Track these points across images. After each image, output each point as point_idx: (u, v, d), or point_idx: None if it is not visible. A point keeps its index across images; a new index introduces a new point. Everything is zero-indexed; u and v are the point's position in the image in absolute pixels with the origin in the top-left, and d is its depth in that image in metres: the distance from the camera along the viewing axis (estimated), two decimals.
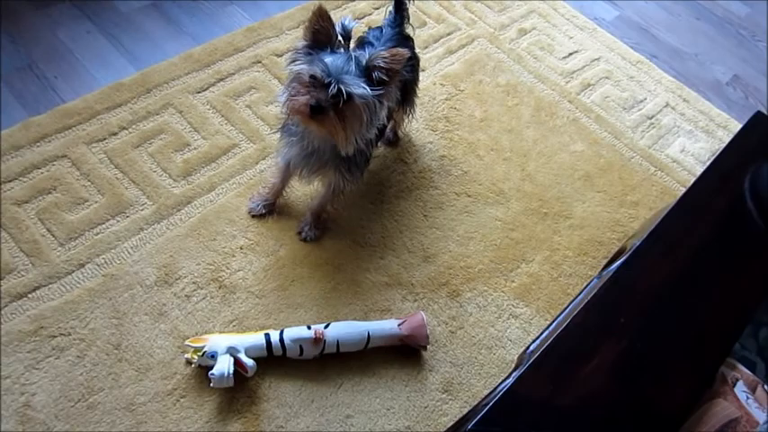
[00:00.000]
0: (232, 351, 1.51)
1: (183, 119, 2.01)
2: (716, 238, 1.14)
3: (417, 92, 1.93)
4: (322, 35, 1.47)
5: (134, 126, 1.96)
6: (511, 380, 0.90)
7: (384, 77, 1.45)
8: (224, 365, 1.48)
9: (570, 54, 2.53)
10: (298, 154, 1.64)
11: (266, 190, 1.85)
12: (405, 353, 1.66)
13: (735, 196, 1.20)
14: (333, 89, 1.41)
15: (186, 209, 1.82)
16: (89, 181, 1.83)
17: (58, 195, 1.79)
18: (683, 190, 2.13)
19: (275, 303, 1.70)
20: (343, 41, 1.49)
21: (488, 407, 0.83)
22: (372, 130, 1.55)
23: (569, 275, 1.90)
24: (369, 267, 1.81)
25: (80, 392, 1.49)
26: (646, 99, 2.45)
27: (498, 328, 1.77)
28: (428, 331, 1.64)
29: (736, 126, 2.43)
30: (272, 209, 1.85)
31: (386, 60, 1.43)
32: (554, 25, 2.63)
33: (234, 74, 2.16)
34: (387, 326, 1.63)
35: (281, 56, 2.23)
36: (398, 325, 1.63)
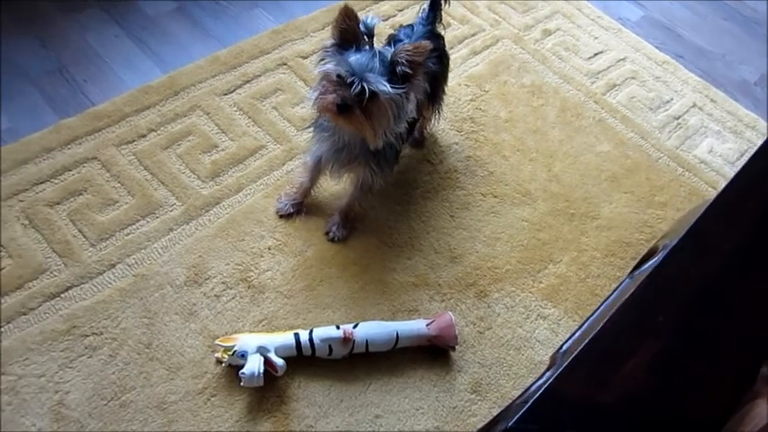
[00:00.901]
0: (262, 350, 1.52)
1: (211, 121, 2.03)
2: (751, 240, 1.13)
3: (446, 89, 1.94)
4: (349, 34, 1.49)
5: (162, 128, 1.98)
6: (549, 379, 0.90)
7: (408, 70, 1.47)
8: (254, 365, 1.48)
9: (595, 54, 2.52)
10: (329, 149, 1.66)
11: (294, 190, 1.86)
12: (433, 353, 1.66)
13: None
14: (356, 87, 1.44)
15: (215, 209, 1.83)
16: (119, 182, 1.85)
17: (89, 197, 1.81)
18: (712, 191, 2.14)
19: (303, 303, 1.70)
20: (368, 39, 1.51)
21: (528, 405, 0.83)
22: (401, 124, 1.58)
23: (597, 276, 1.89)
24: (396, 268, 1.81)
25: (112, 391, 1.51)
26: (672, 99, 2.43)
27: (526, 328, 1.76)
28: (456, 331, 1.63)
29: (764, 126, 2.40)
30: (299, 209, 1.86)
31: (409, 53, 1.45)
32: (579, 26, 2.61)
33: (260, 76, 2.17)
34: (415, 326, 1.64)
35: (306, 58, 2.25)
36: (427, 325, 1.63)
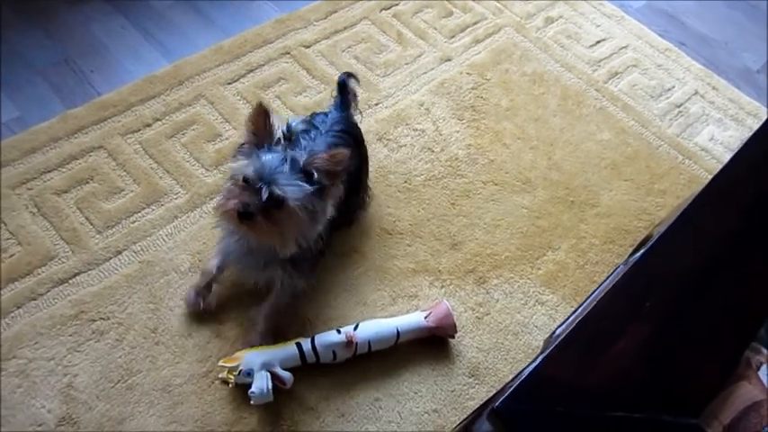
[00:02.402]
0: (267, 366, 1.49)
1: (215, 110, 2.06)
2: (744, 226, 1.15)
3: (369, 185, 1.85)
4: (261, 133, 1.41)
5: (167, 117, 2.02)
6: (538, 361, 0.93)
7: (324, 181, 1.39)
8: (262, 382, 1.46)
9: (597, 42, 2.53)
10: (237, 252, 1.54)
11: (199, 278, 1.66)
12: (431, 337, 1.69)
13: (763, 184, 1.21)
14: (264, 193, 1.33)
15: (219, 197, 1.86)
16: (125, 171, 1.89)
17: (96, 185, 1.85)
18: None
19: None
20: (284, 140, 1.43)
21: (515, 386, 0.86)
22: (316, 229, 1.47)
23: (596, 263, 1.91)
24: (396, 254, 1.84)
25: (119, 374, 1.55)
26: (674, 87, 2.44)
27: (524, 314, 1.79)
28: (455, 319, 1.66)
29: (766, 114, 2.40)
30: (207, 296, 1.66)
31: (326, 163, 1.38)
32: (581, 14, 2.62)
33: (263, 65, 2.20)
34: (414, 320, 1.65)
35: (308, 47, 2.27)
36: (425, 318, 1.65)
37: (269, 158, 1.36)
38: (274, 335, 1.60)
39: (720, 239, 1.12)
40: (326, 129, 1.62)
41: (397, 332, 1.62)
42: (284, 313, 1.63)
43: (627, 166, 2.16)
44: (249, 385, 1.48)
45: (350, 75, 1.78)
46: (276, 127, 1.43)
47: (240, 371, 1.49)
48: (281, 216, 1.37)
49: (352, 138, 1.69)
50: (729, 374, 0.95)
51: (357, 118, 1.82)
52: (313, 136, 1.60)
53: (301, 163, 1.38)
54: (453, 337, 1.69)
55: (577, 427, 0.85)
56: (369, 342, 1.60)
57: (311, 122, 1.66)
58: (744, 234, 1.13)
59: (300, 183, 1.37)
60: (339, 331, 1.59)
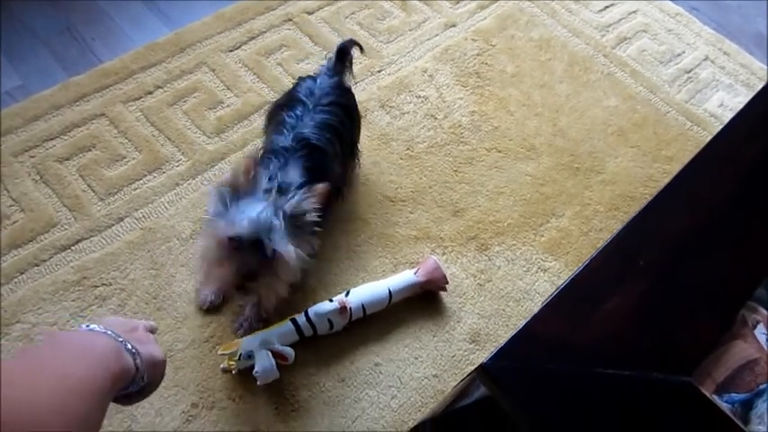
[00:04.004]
0: (266, 344, 1.48)
1: (216, 77, 2.04)
2: (742, 186, 1.13)
3: (359, 155, 1.79)
4: (246, 185, 1.30)
5: (169, 85, 2.01)
6: (528, 319, 0.92)
7: (316, 218, 1.31)
8: (265, 361, 1.44)
9: (606, 7, 2.48)
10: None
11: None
12: (432, 303, 1.69)
13: (764, 144, 1.18)
14: (268, 250, 1.23)
15: (220, 165, 1.86)
16: (126, 138, 1.89)
17: (98, 153, 1.85)
18: None
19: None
20: (268, 192, 1.31)
21: (504, 343, 0.86)
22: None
23: (600, 230, 1.90)
24: (398, 221, 1.83)
25: None
26: (684, 52, 2.39)
27: (527, 281, 1.78)
28: (444, 271, 1.65)
29: None
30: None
31: (309, 201, 1.29)
32: None
33: (265, 32, 2.18)
34: (404, 278, 1.65)
35: (311, 14, 2.25)
36: (415, 273, 1.65)
37: (259, 211, 1.24)
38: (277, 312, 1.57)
39: (717, 200, 1.10)
40: (314, 103, 1.53)
41: (390, 292, 1.61)
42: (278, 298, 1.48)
43: (634, 132, 2.12)
44: (252, 368, 1.46)
45: (354, 42, 1.73)
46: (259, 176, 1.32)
47: (240, 355, 1.47)
48: (279, 269, 1.29)
49: (342, 109, 1.58)
50: (724, 333, 0.94)
51: (350, 83, 1.73)
52: (299, 113, 1.52)
53: (288, 211, 1.28)
54: (445, 290, 1.68)
55: (566, 384, 0.85)
56: (363, 306, 1.59)
57: (295, 96, 1.57)
58: (741, 195, 1.12)
59: (295, 231, 1.29)
60: (331, 300, 1.58)
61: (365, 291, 1.62)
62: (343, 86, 1.65)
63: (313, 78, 1.62)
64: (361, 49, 1.77)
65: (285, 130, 1.49)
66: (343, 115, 1.59)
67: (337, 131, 1.55)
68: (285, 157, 1.44)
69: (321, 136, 1.50)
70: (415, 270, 1.66)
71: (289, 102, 1.58)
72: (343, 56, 1.68)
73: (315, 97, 1.55)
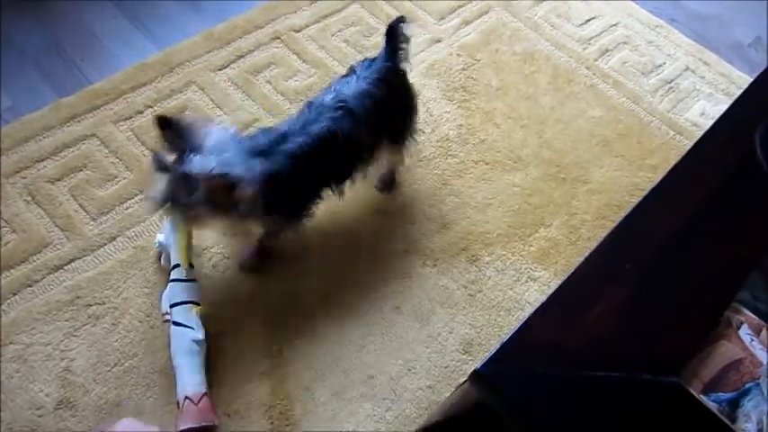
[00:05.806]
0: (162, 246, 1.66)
1: (206, 96, 2.07)
2: (724, 190, 1.16)
3: (414, 130, 1.81)
4: (177, 142, 1.41)
5: (159, 104, 2.03)
6: (519, 324, 0.94)
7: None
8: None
9: (588, 21, 2.52)
10: None
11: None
12: (426, 315, 1.71)
13: (745, 149, 1.21)
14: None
15: None
16: (117, 158, 1.90)
17: (89, 172, 1.86)
18: None
19: (297, 270, 1.75)
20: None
21: (496, 349, 0.88)
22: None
23: (587, 239, 1.92)
24: (388, 235, 1.85)
25: (116, 357, 1.57)
26: (665, 63, 2.43)
27: (517, 291, 1.80)
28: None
29: None
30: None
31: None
32: None
33: (253, 50, 2.20)
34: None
35: (299, 31, 2.28)
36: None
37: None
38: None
39: (701, 203, 1.13)
40: (364, 75, 1.61)
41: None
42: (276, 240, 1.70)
43: (618, 142, 2.16)
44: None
45: (402, 19, 1.67)
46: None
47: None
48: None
49: (386, 85, 1.61)
50: (709, 334, 0.96)
51: (407, 65, 1.72)
52: (347, 80, 1.61)
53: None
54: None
55: (557, 387, 0.86)
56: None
57: (353, 68, 1.66)
58: (724, 198, 1.14)
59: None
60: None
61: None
62: (394, 69, 1.67)
63: (373, 59, 1.66)
64: (406, 23, 1.68)
65: (331, 90, 1.59)
66: (386, 90, 1.61)
67: (378, 105, 1.58)
68: (319, 112, 1.54)
69: (360, 102, 1.55)
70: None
71: (345, 74, 1.66)
72: (393, 36, 1.65)
73: (366, 72, 1.61)
